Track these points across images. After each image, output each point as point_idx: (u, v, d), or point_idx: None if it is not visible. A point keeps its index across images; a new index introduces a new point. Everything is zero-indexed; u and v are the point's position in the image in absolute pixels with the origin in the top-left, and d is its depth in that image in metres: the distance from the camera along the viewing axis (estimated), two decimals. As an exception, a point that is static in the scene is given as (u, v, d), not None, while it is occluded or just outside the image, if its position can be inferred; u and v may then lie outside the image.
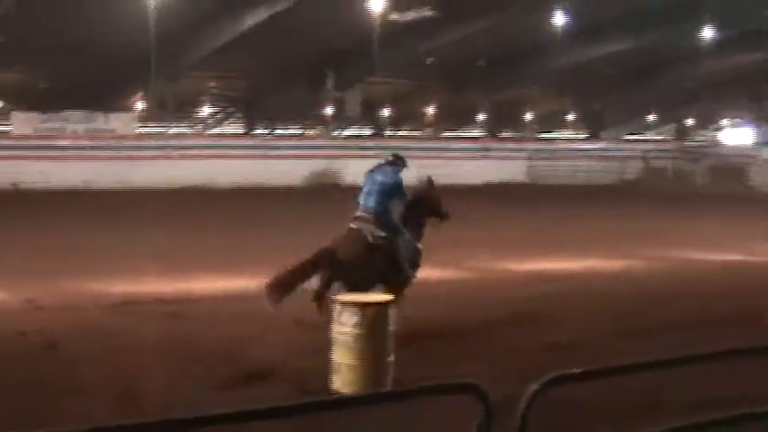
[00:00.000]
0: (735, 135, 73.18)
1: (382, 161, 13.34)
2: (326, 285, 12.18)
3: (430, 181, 13.94)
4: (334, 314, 10.04)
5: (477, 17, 41.09)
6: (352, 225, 12.75)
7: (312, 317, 11.93)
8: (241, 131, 52.65)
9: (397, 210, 13.00)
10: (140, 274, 16.74)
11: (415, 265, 13.00)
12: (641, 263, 20.30)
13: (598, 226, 27.92)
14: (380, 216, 12.65)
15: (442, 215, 13.51)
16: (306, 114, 54.69)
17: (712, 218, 31.87)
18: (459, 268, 18.64)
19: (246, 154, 43.10)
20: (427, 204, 13.50)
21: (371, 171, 13.13)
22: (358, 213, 12.83)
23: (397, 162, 13.26)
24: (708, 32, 45.75)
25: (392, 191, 12.85)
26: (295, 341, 11.45)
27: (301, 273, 12.25)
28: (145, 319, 13.41)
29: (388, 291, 11.94)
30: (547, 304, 14.87)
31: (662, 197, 41.63)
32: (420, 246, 13.13)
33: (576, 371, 5.15)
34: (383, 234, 12.58)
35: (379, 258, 12.49)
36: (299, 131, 55.55)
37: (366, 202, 12.81)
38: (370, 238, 12.52)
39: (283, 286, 12.09)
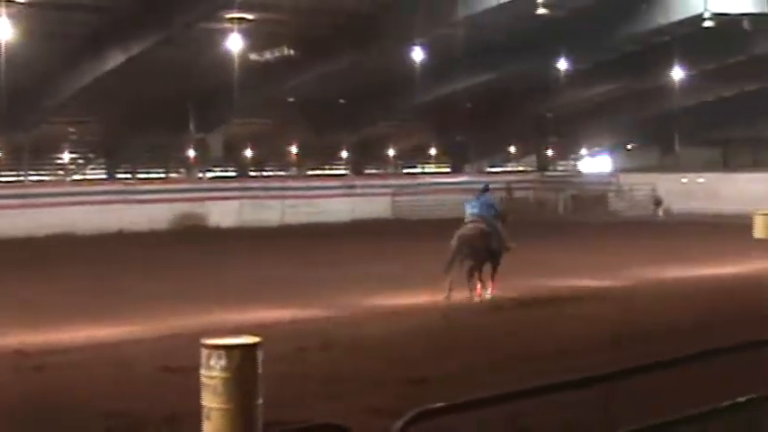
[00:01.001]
0: (593, 163, 75.11)
1: (481, 189, 22.21)
2: (457, 261, 19.69)
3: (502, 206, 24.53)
4: (202, 358, 9.96)
5: (337, 56, 41.34)
6: (470, 224, 20.30)
7: (178, 362, 11.86)
8: (103, 176, 51.86)
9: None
10: (1, 327, 16.33)
11: (503, 246, 20.50)
12: (516, 294, 20.50)
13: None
14: (485, 218, 20.50)
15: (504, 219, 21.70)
16: (169, 157, 54.21)
17: (573, 246, 32.60)
18: (324, 306, 18.63)
19: (108, 199, 42.36)
20: (504, 215, 21.98)
21: (477, 197, 21.57)
22: (471, 218, 20.52)
23: (488, 189, 22.51)
24: (563, 64, 46.86)
25: (489, 206, 21.18)
26: (162, 388, 11.34)
27: (455, 253, 19.65)
28: (6, 372, 13.07)
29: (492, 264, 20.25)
30: (412, 338, 15.03)
31: (525, 227, 42.36)
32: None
33: (440, 405, 5.22)
34: (488, 229, 20.20)
35: (489, 241, 20.10)
36: (163, 174, 54.99)
37: (476, 211, 20.66)
38: (485, 229, 20.12)
39: (450, 264, 19.48)
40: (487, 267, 20.29)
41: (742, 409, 7.32)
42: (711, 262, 26.68)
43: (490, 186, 23.74)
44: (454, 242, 19.68)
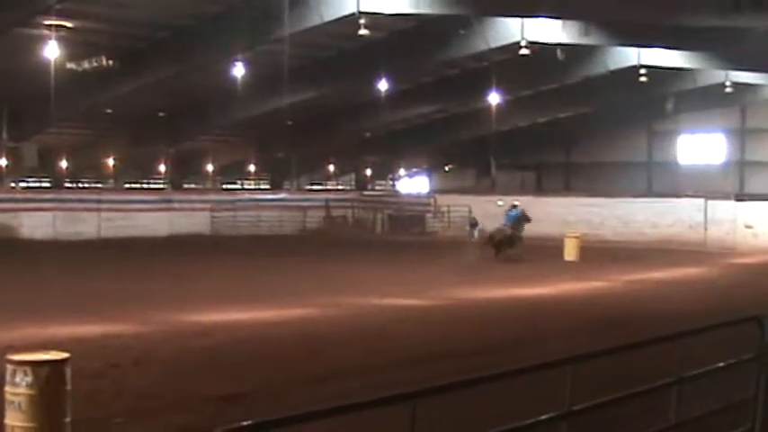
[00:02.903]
0: (411, 184, 76.18)
1: (511, 206, 38.36)
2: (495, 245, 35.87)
3: (525, 215, 37.40)
4: (7, 375, 9.68)
5: (156, 68, 40.84)
6: (502, 227, 36.63)
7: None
8: None
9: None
10: None
11: (521, 241, 36.58)
12: (317, 310, 20.68)
13: (277, 276, 28.46)
14: (512, 225, 36.61)
15: (528, 220, 37.38)
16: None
17: (386, 264, 33.09)
18: (136, 321, 18.35)
19: None
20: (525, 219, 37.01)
21: (509, 211, 37.66)
22: (504, 224, 36.82)
23: (517, 207, 37.94)
24: (384, 84, 47.41)
25: (516, 217, 36.91)
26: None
27: (489, 242, 36.32)
28: None
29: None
30: (226, 354, 14.99)
31: (342, 246, 42.76)
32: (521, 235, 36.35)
33: (247, 423, 5.22)
34: (511, 231, 36.36)
35: (512, 237, 36.08)
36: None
37: (508, 221, 36.75)
38: (509, 231, 36.33)
39: (485, 245, 36.44)
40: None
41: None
42: (522, 283, 27.35)
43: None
44: (493, 232, 36.77)
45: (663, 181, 63.30)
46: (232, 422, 5.28)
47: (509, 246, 36.03)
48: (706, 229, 44.75)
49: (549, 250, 37.43)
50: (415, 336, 17.27)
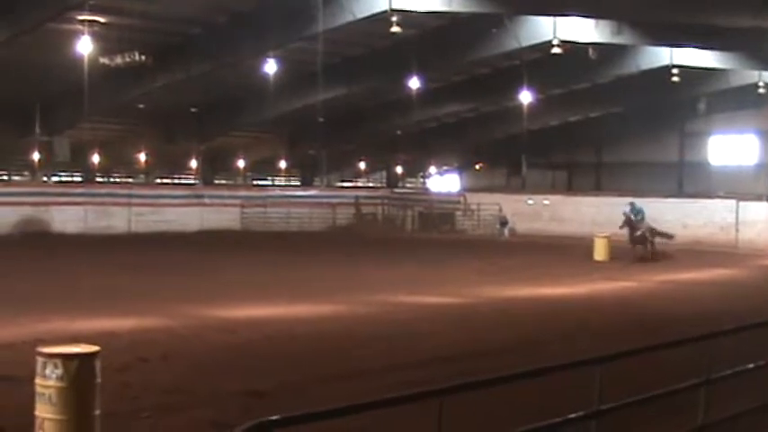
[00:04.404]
0: (441, 182, 76.17)
1: (632, 204, 36.98)
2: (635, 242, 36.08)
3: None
4: (37, 367, 9.74)
5: (189, 64, 41.01)
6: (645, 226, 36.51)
7: (12, 371, 11.60)
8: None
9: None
10: None
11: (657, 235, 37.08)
12: (345, 307, 20.68)
13: (306, 272, 28.50)
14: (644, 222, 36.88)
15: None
16: (13, 160, 52.91)
17: (415, 262, 33.06)
18: (165, 315, 18.41)
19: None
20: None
21: (630, 210, 36.58)
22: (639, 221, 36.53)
23: (634, 204, 36.99)
24: (415, 83, 47.41)
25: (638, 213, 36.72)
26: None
27: (633, 239, 35.94)
28: None
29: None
30: (253, 350, 15.02)
31: (372, 243, 42.78)
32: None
33: (276, 417, 5.25)
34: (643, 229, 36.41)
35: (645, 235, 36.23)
36: (5, 177, 53.64)
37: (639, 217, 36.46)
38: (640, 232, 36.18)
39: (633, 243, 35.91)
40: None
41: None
42: (551, 282, 27.25)
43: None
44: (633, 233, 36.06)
45: (694, 182, 62.91)
46: (258, 417, 5.31)
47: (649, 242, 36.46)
48: (737, 230, 44.51)
49: (578, 250, 37.32)
50: (443, 334, 17.22)
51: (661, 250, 36.74)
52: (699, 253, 39.36)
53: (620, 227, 35.94)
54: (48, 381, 9.48)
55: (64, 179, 55.55)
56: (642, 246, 36.05)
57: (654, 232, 36.84)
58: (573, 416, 7.39)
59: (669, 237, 37.77)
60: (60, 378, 9.46)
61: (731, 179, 59.76)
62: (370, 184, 73.08)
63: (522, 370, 7.13)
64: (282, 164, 66.01)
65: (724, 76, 52.19)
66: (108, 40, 37.59)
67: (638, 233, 35.98)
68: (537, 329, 18.06)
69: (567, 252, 37.58)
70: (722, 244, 43.03)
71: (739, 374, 9.24)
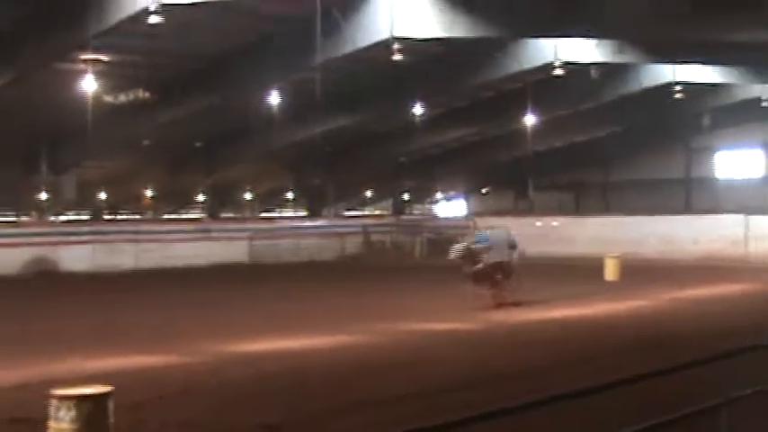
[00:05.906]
0: (449, 207, 76.13)
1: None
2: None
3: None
4: (51, 410, 9.69)
5: (192, 99, 41.07)
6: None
7: (27, 414, 11.55)
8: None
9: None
10: None
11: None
12: (361, 336, 20.60)
13: (318, 303, 28.44)
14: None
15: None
16: (20, 199, 52.98)
17: (425, 288, 33.01)
18: (179, 351, 18.33)
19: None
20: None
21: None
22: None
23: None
24: (419, 109, 47.43)
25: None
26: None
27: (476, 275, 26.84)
28: None
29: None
30: (267, 382, 14.95)
31: (382, 271, 42.70)
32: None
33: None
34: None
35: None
36: (14, 218, 53.70)
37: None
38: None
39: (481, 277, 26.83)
40: None
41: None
42: (563, 304, 27.15)
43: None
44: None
45: (701, 197, 62.85)
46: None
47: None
48: (747, 244, 44.41)
49: (589, 271, 37.18)
50: (456, 360, 17.14)
51: (672, 267, 36.41)
52: (711, 268, 39.24)
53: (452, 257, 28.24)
54: (61, 423, 9.44)
55: (71, 218, 55.55)
56: (488, 282, 27.21)
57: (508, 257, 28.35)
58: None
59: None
60: (73, 421, 9.41)
61: (739, 193, 59.65)
62: (378, 212, 73.04)
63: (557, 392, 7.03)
64: (289, 195, 66.06)
65: (728, 91, 52.23)
66: (112, 77, 37.75)
67: (479, 266, 26.98)
68: (556, 352, 17.94)
69: (578, 273, 37.43)
70: (733, 258, 42.97)
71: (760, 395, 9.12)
